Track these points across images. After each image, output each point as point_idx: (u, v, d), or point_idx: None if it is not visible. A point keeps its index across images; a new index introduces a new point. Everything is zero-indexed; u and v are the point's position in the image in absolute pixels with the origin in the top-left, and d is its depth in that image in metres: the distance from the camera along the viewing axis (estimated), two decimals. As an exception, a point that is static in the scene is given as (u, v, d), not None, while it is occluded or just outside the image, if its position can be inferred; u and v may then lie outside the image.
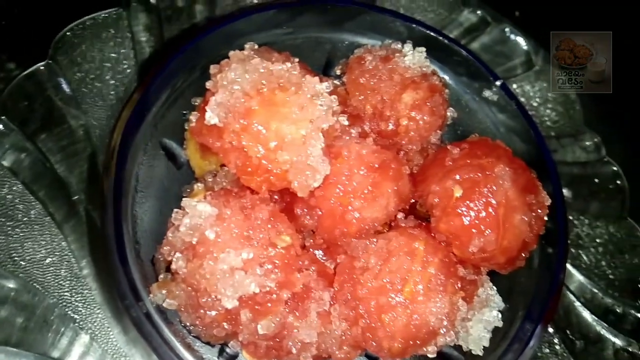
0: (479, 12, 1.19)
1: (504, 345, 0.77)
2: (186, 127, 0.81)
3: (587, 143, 1.14)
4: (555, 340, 0.99)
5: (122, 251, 0.66)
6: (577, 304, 1.01)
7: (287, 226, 0.67)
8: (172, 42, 0.99)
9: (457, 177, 0.70)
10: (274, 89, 0.65)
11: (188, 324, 0.67)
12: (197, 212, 0.63)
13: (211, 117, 0.63)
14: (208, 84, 0.66)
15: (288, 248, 0.66)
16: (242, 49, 0.70)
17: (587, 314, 1.00)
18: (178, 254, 0.63)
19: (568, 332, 1.00)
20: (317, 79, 0.68)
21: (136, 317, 0.64)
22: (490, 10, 1.19)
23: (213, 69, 0.67)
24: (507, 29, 1.19)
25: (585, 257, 1.06)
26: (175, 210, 0.65)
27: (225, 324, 0.64)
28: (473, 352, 0.74)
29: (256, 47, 0.71)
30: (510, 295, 0.79)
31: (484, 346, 0.73)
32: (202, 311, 0.64)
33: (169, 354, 0.65)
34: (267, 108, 0.64)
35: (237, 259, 0.61)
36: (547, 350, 0.98)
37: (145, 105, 0.76)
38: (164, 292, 0.65)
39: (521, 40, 1.18)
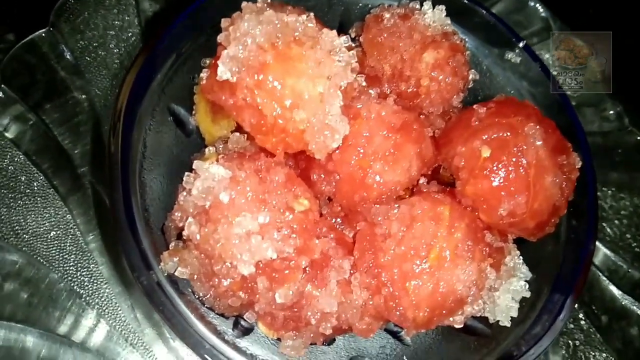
0: (494, -22, 1.15)
1: (532, 317, 0.73)
2: (195, 92, 0.77)
3: (610, 112, 1.10)
4: (580, 315, 0.95)
5: (131, 218, 0.62)
6: (602, 277, 0.98)
7: (304, 189, 0.64)
8: (176, 3, 0.95)
9: (485, 137, 0.66)
10: (290, 43, 0.61)
11: (201, 294, 0.63)
12: (210, 174, 0.60)
13: (223, 71, 0.59)
14: (220, 37, 0.62)
15: (306, 212, 0.62)
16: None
17: (612, 288, 0.97)
18: (190, 219, 0.60)
19: (593, 306, 0.96)
20: (334, 32, 0.64)
21: (147, 285, 0.60)
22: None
23: (224, 22, 0.62)
24: (524, -5, 1.15)
25: (609, 230, 1.02)
26: (186, 173, 0.62)
27: (240, 292, 0.61)
28: (500, 324, 0.70)
29: (269, 0, 0.66)
30: (537, 266, 0.75)
31: (511, 317, 0.70)
32: (216, 280, 0.60)
33: (182, 325, 0.61)
34: (282, 63, 0.60)
35: (253, 222, 0.57)
36: (572, 326, 0.95)
37: (151, 67, 0.72)
38: (175, 260, 0.61)
39: (539, 7, 1.14)
